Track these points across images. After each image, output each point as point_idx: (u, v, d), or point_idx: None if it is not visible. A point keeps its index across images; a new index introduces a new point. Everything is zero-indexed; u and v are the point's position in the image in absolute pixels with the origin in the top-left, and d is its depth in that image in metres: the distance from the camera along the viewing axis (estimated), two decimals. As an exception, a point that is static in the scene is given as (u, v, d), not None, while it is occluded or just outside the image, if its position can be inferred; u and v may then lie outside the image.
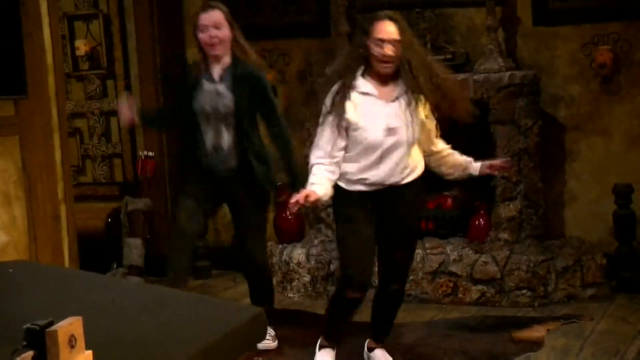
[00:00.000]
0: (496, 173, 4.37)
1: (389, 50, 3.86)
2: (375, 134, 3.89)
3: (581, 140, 5.63)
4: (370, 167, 3.94)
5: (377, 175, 3.95)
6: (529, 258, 5.24)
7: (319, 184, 3.89)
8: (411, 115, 3.91)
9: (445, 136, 5.06)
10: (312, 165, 3.97)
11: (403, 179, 3.98)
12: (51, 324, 1.77)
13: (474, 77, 5.40)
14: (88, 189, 6.57)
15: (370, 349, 4.33)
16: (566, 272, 5.28)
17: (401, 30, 3.89)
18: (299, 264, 5.62)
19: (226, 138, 4.30)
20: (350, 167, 3.97)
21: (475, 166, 4.16)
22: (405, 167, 3.97)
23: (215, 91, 4.26)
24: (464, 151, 5.49)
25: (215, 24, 4.22)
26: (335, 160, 3.96)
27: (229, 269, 6.26)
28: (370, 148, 3.92)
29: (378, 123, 3.90)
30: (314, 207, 3.91)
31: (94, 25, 6.52)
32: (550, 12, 5.60)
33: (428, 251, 5.41)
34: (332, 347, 4.29)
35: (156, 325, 2.25)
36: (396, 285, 4.17)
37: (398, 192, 4.00)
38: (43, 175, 5.14)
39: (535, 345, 4.54)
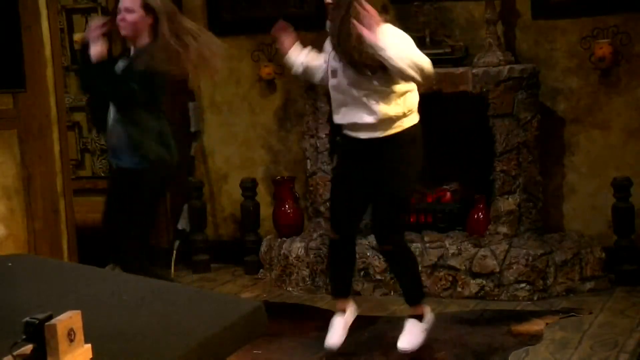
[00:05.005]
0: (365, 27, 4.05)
1: None
2: (326, 74, 4.30)
3: (580, 134, 5.63)
4: (335, 109, 4.29)
5: (341, 118, 4.26)
6: (528, 252, 5.24)
7: (301, 53, 4.48)
8: (346, 67, 4.14)
9: (446, 131, 5.11)
10: None
11: (370, 129, 4.17)
12: (50, 317, 1.77)
13: (473, 71, 5.39)
14: (87, 183, 6.57)
15: (409, 316, 4.43)
16: (565, 266, 5.28)
17: None
18: (297, 257, 5.62)
19: (112, 114, 4.32)
20: (333, 112, 4.38)
21: None
22: (363, 118, 4.16)
23: (119, 69, 4.31)
24: (462, 146, 5.51)
25: (127, 8, 4.30)
26: (310, 56, 4.46)
27: (228, 263, 6.27)
28: (330, 88, 4.28)
29: (327, 64, 4.28)
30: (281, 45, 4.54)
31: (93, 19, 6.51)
32: (549, 5, 5.59)
33: (427, 245, 5.41)
34: (343, 310, 4.39)
35: (155, 319, 2.25)
36: (386, 246, 4.33)
37: (378, 147, 4.19)
38: (42, 169, 5.14)
39: (534, 338, 4.54)
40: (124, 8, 4.28)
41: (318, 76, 4.47)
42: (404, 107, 4.18)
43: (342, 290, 4.45)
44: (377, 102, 4.14)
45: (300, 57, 4.47)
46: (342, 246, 4.38)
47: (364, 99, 4.14)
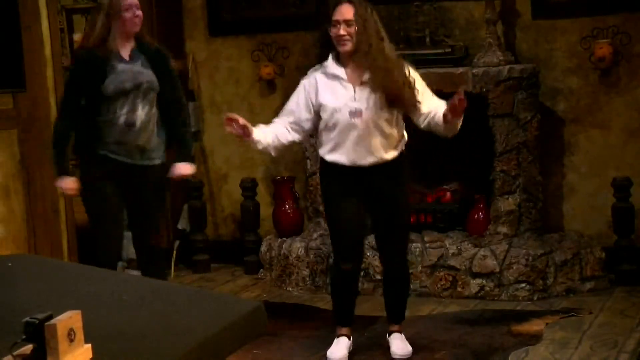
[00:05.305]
0: (456, 112, 4.02)
1: (342, 30, 4.03)
2: (340, 115, 4.08)
3: (580, 134, 5.63)
4: (340, 147, 4.12)
5: (348, 156, 4.12)
6: (527, 252, 5.24)
7: (261, 129, 4.16)
8: (379, 99, 4.05)
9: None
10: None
11: (380, 158, 4.12)
12: (50, 317, 1.77)
13: (473, 71, 5.39)
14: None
15: (390, 333, 4.39)
16: (565, 266, 5.28)
17: (358, 13, 4.02)
18: (298, 257, 5.62)
19: (139, 114, 4.30)
20: (324, 148, 4.19)
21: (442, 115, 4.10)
22: (378, 148, 4.10)
23: (131, 69, 4.30)
24: (462, 145, 5.50)
25: (138, 5, 4.37)
26: (292, 125, 4.19)
27: (228, 263, 6.27)
28: (337, 129, 4.10)
29: (343, 105, 4.08)
30: (243, 137, 4.18)
31: (93, 19, 6.50)
32: (549, 4, 5.59)
33: (427, 245, 5.41)
34: (347, 336, 4.34)
35: (155, 318, 2.26)
36: (395, 267, 4.31)
37: (379, 172, 4.14)
38: (42, 169, 5.14)
39: (534, 338, 4.54)
40: (136, 5, 4.33)
41: (295, 139, 4.25)
42: (404, 127, 4.21)
43: (347, 320, 4.37)
44: (397, 128, 4.15)
45: (267, 139, 4.17)
46: (351, 276, 4.30)
47: (388, 129, 4.10)
